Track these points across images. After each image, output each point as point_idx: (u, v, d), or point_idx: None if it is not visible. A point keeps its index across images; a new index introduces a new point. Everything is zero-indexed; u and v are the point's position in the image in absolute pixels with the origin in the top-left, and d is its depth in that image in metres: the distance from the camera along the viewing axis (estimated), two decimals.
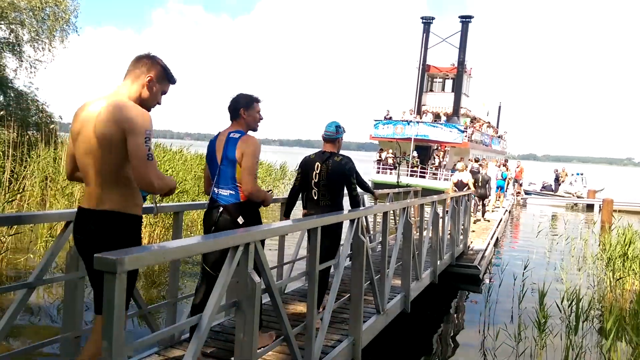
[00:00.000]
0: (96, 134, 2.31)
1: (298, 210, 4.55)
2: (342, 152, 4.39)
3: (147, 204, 2.79)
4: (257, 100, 3.40)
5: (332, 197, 4.19)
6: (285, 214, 4.55)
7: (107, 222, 2.33)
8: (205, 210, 3.43)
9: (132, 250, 1.80)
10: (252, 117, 3.38)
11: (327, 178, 4.15)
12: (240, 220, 3.21)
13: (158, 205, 2.99)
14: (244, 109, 3.35)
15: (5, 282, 6.57)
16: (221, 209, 3.24)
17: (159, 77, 2.50)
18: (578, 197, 25.30)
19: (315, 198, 4.21)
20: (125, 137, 2.27)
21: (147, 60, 2.48)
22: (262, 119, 3.44)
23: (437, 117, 30.11)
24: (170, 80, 2.57)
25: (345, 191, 4.33)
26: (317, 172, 4.17)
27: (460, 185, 12.11)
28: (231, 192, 3.25)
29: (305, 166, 4.27)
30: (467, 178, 12.34)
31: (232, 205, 3.23)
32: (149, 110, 2.47)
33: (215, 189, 3.31)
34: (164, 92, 2.58)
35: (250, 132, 3.38)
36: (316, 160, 4.21)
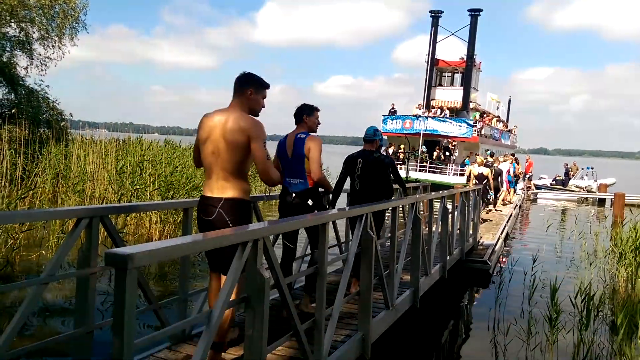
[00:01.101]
0: (225, 139, 2.92)
1: None
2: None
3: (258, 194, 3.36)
4: (317, 109, 4.15)
5: (373, 187, 4.78)
6: (332, 204, 5.03)
7: (230, 207, 2.92)
8: (279, 194, 4.20)
9: (143, 247, 1.80)
10: (312, 121, 4.11)
11: (367, 171, 4.79)
12: (310, 202, 3.94)
13: (268, 194, 3.77)
14: (306, 115, 4.07)
15: (18, 278, 6.65)
16: (294, 194, 3.98)
17: (256, 89, 3.08)
18: (588, 191, 25.08)
19: (358, 189, 4.84)
20: (249, 142, 2.90)
21: (244, 79, 3.08)
22: (320, 123, 4.16)
23: (441, 110, 29.83)
24: (265, 86, 3.13)
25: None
26: (360, 166, 4.82)
27: (480, 178, 12.75)
28: (300, 180, 3.98)
29: (349, 162, 4.89)
30: (487, 171, 13.00)
31: (302, 192, 3.97)
32: (257, 115, 3.10)
33: (287, 178, 4.03)
34: (264, 97, 3.14)
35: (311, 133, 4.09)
36: (358, 157, 4.86)
